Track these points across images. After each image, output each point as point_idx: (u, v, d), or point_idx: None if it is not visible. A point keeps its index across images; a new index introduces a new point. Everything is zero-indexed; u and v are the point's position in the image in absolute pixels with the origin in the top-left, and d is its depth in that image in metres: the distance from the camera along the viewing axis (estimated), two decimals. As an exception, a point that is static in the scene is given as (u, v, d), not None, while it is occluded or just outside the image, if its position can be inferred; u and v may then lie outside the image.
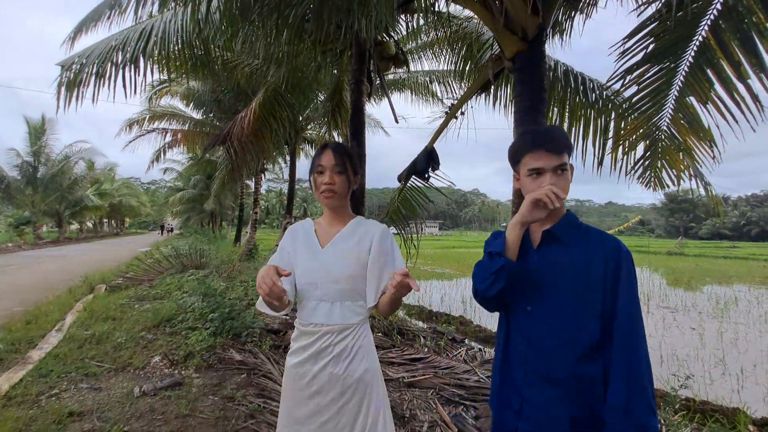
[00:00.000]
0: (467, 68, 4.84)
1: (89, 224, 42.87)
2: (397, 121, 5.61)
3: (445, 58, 5.80)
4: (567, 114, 4.07)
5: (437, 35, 5.69)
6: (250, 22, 3.49)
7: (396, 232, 4.65)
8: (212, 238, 19.85)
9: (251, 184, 16.92)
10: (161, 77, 10.36)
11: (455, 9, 4.45)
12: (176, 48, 4.35)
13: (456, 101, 3.83)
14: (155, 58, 4.40)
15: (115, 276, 8.37)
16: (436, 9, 4.34)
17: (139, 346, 3.61)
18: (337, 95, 6.80)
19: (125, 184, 39.73)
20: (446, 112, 3.80)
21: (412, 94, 9.71)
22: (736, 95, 2.57)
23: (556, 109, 4.13)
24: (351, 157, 1.34)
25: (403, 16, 4.99)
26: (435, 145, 3.84)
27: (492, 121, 4.78)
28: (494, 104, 4.68)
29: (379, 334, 4.61)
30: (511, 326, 1.19)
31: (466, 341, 5.14)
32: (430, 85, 9.29)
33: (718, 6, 2.51)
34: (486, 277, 1.14)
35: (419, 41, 7.35)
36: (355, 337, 1.28)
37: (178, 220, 37.04)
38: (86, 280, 7.22)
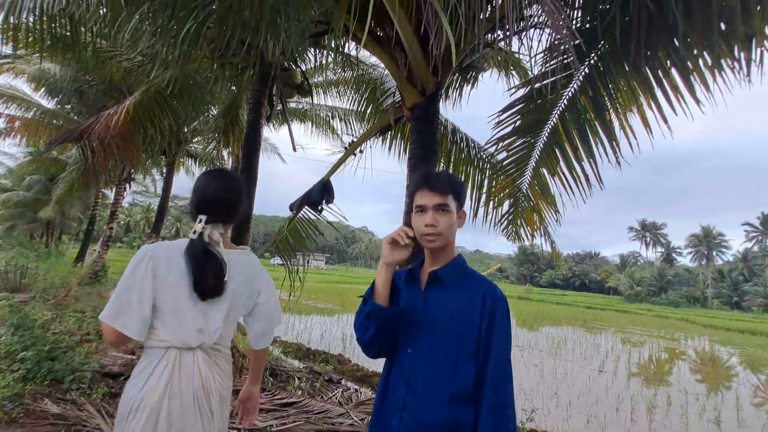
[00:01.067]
0: (368, 110, 5.09)
1: None
2: (295, 149, 5.51)
3: (348, 98, 6.03)
4: (452, 167, 4.55)
5: (344, 75, 5.90)
6: (138, 11, 3.08)
7: (281, 262, 4.41)
8: (43, 254, 15.95)
9: (110, 194, 14.40)
10: (3, 50, 8.35)
11: (363, 54, 4.70)
12: (31, 17, 3.58)
13: (356, 138, 3.95)
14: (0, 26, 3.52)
15: None
16: (346, 51, 4.52)
17: None
18: (233, 112, 6.39)
19: None
20: (345, 148, 3.88)
21: (312, 126, 9.75)
22: (574, 173, 3.22)
23: (442, 162, 4.59)
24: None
25: (312, 50, 5.05)
26: (331, 179, 3.85)
27: (386, 164, 5.05)
28: (389, 149, 4.97)
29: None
30: (393, 369, 1.17)
31: (343, 381, 5.00)
32: (331, 121, 9.47)
33: (565, 101, 3.15)
34: (361, 323, 1.15)
35: (326, 77, 7.53)
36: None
37: (-4, 227, 28.88)
38: None
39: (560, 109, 3.17)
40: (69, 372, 3.04)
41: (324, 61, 6.09)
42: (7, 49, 5.08)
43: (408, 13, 2.48)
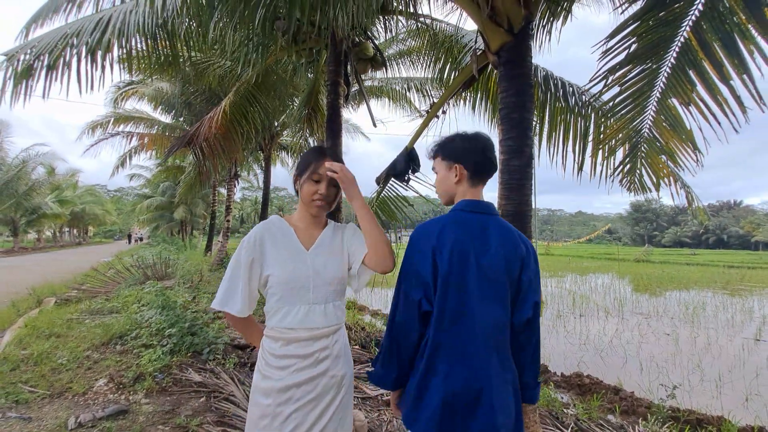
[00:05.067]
0: (446, 72, 4.72)
1: (48, 233, 40.40)
2: (375, 125, 5.44)
3: (422, 65, 5.70)
4: (547, 119, 4.01)
5: (418, 41, 5.59)
6: (218, 9, 3.22)
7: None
8: (181, 247, 18.96)
9: (225, 191, 16.33)
10: (123, 77, 9.80)
11: (435, 6, 4.33)
12: (139, 43, 4.03)
13: (437, 101, 3.69)
14: (117, 56, 4.04)
15: (69, 288, 7.71)
16: (416, 10, 4.21)
17: (82, 368, 3.18)
18: (313, 98, 6.56)
19: (89, 191, 37.61)
20: (427, 111, 3.65)
21: (389, 101, 9.62)
22: (719, 97, 2.53)
23: (536, 114, 4.06)
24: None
25: (381, 18, 4.85)
26: (415, 147, 3.67)
27: (472, 126, 4.69)
28: (474, 108, 4.59)
29: (356, 347, 4.35)
30: None
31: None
32: (407, 93, 9.23)
33: (700, 6, 2.47)
34: None
35: (397, 48, 7.26)
36: (344, 334, 1.38)
37: (146, 228, 35.37)
38: (34, 292, 6.57)
39: (693, 18, 2.51)
40: (206, 345, 3.50)
41: (394, 30, 5.84)
42: (126, 76, 5.89)
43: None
